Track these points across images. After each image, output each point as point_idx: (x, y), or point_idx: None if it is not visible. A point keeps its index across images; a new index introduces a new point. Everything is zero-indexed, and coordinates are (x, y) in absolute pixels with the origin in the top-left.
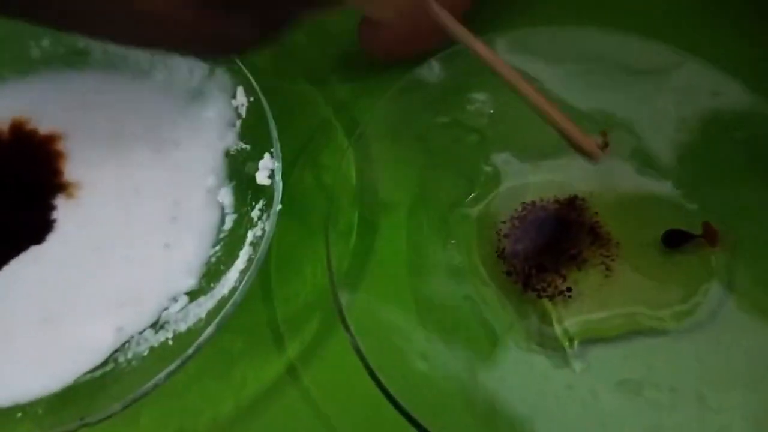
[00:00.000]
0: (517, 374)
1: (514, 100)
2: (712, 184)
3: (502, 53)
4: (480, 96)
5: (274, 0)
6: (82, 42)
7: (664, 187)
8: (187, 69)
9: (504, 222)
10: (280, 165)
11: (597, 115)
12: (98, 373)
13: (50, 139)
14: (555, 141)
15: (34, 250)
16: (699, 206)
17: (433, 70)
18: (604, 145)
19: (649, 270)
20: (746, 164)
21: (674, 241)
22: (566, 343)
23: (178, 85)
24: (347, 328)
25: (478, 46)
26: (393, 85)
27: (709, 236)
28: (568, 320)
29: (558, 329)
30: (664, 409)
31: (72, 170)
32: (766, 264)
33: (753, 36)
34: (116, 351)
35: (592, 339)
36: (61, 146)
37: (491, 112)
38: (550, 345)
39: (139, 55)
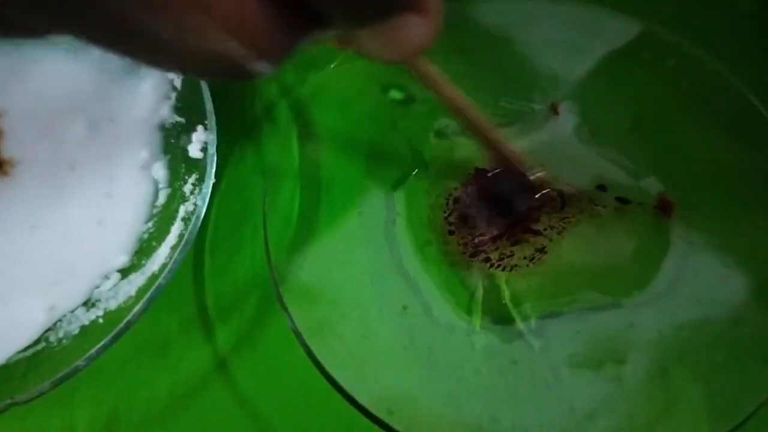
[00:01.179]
0: (470, 351)
1: (464, 71)
2: (665, 150)
3: (483, 17)
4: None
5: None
6: None
7: (617, 158)
8: None
9: (455, 188)
10: (215, 137)
11: (549, 84)
12: (29, 352)
13: None
14: (506, 112)
15: None
16: (654, 177)
17: None
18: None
19: (604, 242)
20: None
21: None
22: (520, 319)
23: (114, 59)
24: (284, 308)
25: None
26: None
27: (664, 207)
28: (522, 295)
29: (510, 304)
30: (628, 382)
31: (7, 147)
32: (723, 230)
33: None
34: (48, 330)
35: (548, 314)
36: None
37: None
38: (503, 321)
39: None
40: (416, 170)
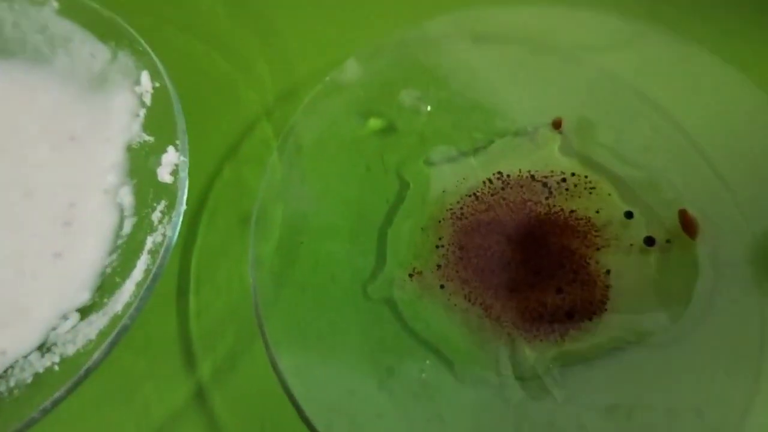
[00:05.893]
0: (482, 410)
1: (451, 93)
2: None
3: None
4: (413, 93)
5: None
6: None
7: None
8: (89, 52)
9: (450, 226)
10: (186, 160)
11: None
12: None
13: None
14: (499, 129)
15: None
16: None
17: (351, 72)
18: None
19: (630, 275)
20: None
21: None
22: (541, 369)
23: (80, 73)
24: (267, 345)
25: None
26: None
27: (688, 226)
28: (541, 345)
29: (530, 355)
30: (661, 431)
31: None
32: (751, 250)
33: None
34: None
35: (571, 361)
36: None
37: (429, 109)
38: (524, 373)
39: (39, 40)
40: (405, 202)
